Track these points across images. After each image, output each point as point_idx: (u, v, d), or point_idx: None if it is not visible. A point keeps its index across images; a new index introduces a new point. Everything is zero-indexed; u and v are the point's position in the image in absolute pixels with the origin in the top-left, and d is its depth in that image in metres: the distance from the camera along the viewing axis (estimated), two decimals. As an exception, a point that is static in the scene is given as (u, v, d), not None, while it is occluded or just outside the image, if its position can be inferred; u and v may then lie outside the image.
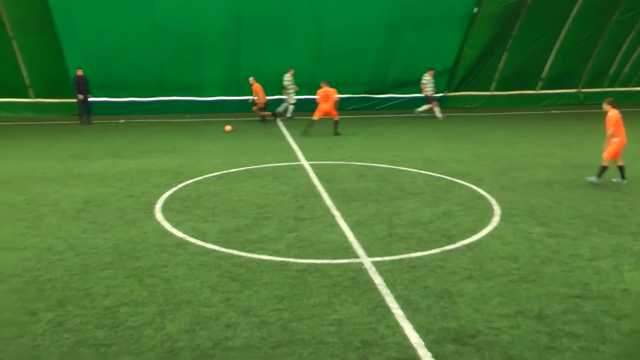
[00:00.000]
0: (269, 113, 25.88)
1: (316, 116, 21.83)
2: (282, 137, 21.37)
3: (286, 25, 26.11)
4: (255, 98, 25.33)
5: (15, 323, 7.43)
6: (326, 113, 21.85)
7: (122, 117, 26.52)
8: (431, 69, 26.60)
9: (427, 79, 26.28)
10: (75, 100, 25.61)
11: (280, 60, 26.86)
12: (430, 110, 26.91)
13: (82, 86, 25.05)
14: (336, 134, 21.68)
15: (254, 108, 25.52)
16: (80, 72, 25.03)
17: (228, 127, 22.78)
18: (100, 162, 17.24)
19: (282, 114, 26.89)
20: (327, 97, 21.72)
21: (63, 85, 26.40)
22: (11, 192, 13.99)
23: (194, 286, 8.34)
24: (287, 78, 26.22)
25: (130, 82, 26.91)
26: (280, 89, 27.21)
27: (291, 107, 26.69)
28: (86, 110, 25.48)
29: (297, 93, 27.59)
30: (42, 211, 12.38)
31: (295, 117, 26.36)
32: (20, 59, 26.13)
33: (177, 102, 27.64)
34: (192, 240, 10.26)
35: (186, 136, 21.80)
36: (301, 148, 18.85)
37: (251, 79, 25.09)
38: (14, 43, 25.65)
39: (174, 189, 13.87)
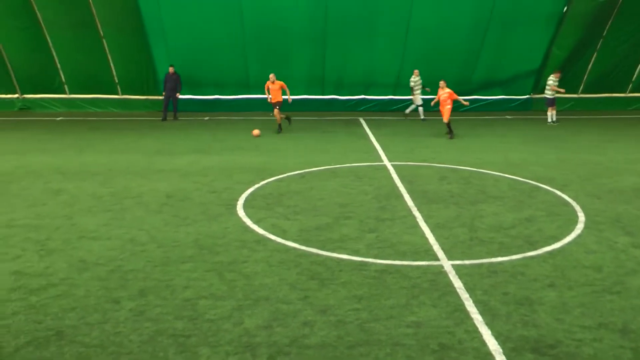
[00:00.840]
0: (282, 116, 23.07)
1: (446, 118, 21.25)
2: (365, 136, 21.34)
3: (372, 25, 26.03)
4: (271, 97, 22.65)
5: (99, 309, 7.70)
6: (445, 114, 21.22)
7: (207, 115, 27.01)
8: (558, 70, 25.55)
9: (553, 80, 25.07)
10: (161, 97, 26.36)
11: (365, 59, 26.83)
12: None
13: (170, 83, 25.64)
14: (451, 137, 21.01)
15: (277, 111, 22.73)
16: (171, 70, 25.66)
17: (256, 132, 21.52)
18: (184, 157, 17.61)
19: (409, 115, 26.35)
20: (449, 97, 21.15)
21: (150, 83, 27.13)
22: (97, 184, 14.46)
23: (273, 283, 8.42)
24: (413, 79, 25.78)
25: (215, 80, 27.41)
26: (366, 89, 27.25)
27: (421, 109, 26.12)
28: (173, 107, 26.08)
29: (382, 93, 27.56)
30: (126, 204, 12.74)
31: (385, 117, 26.26)
32: (109, 57, 27.02)
33: (261, 100, 27.87)
34: (273, 237, 10.36)
35: (268, 134, 22.00)
36: (384, 148, 18.78)
37: (272, 76, 22.66)
38: (104, 42, 26.54)
39: (256, 186, 14.04)
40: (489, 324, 7.12)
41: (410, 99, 26.56)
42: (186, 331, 7.05)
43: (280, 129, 22.59)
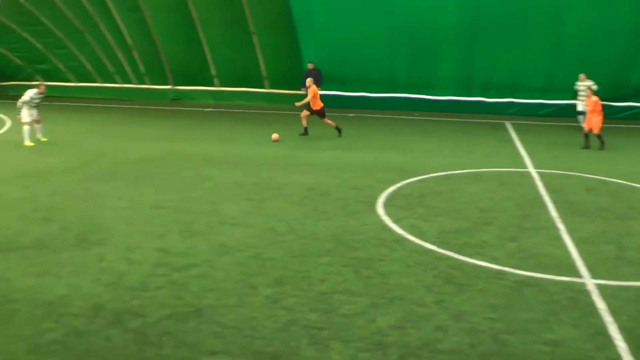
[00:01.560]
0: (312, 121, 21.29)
1: (587, 127, 19.75)
2: (510, 141, 20.79)
3: (522, 25, 25.04)
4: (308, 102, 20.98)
5: (236, 293, 8.00)
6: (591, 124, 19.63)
7: (352, 112, 27.18)
8: None
9: None
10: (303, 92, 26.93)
11: (514, 60, 25.89)
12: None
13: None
14: (601, 148, 19.55)
15: (306, 113, 20.98)
16: (310, 66, 26.24)
17: (275, 136, 20.07)
18: (326, 152, 17.85)
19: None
20: (594, 108, 19.52)
21: (296, 78, 27.65)
22: (241, 174, 14.94)
23: (409, 283, 8.39)
24: (580, 84, 24.44)
25: (362, 78, 27.51)
26: (514, 92, 26.53)
27: (580, 116, 24.60)
28: None
29: (530, 96, 26.69)
30: (267, 194, 13.09)
31: (532, 122, 25.42)
32: (258, 52, 27.82)
33: (407, 100, 27.78)
34: (411, 237, 10.32)
35: (413, 134, 21.90)
36: (529, 154, 18.20)
37: (308, 81, 21.35)
38: (255, 38, 27.34)
39: (397, 185, 14.01)
40: (635, 355, 6.62)
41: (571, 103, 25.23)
42: (319, 324, 7.16)
43: (305, 132, 21.00)
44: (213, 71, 29.35)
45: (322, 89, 26.98)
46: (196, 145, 18.69)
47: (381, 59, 26.78)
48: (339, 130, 21.12)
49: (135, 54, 29.63)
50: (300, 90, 27.35)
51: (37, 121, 19.04)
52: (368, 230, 10.67)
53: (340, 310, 7.52)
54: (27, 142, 18.46)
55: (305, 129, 21.04)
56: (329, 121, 21.06)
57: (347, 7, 25.59)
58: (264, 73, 28.72)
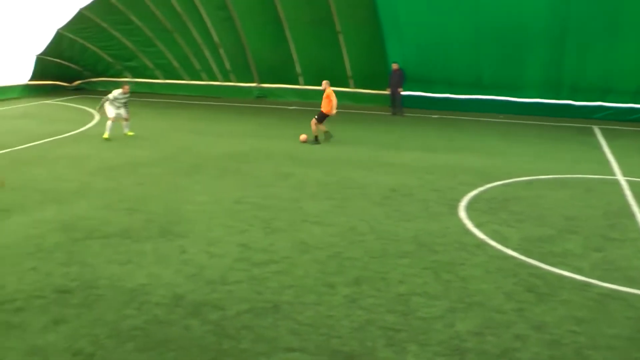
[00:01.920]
0: (323, 129, 19.68)
1: None
2: (598, 147, 20.17)
3: (615, 23, 24.00)
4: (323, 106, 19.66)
5: (315, 291, 8.06)
6: None
7: (435, 113, 26.91)
8: None
9: None
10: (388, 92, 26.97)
11: (605, 61, 25.01)
12: None
13: (393, 79, 26.34)
14: None
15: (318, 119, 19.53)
16: (395, 66, 26.13)
17: (303, 136, 19.52)
18: (409, 153, 17.72)
19: None
20: None
21: (381, 78, 27.57)
22: (323, 172, 15.01)
23: (489, 290, 8.26)
24: None
25: (447, 78, 27.16)
26: (604, 95, 25.73)
27: None
28: (397, 103, 26.50)
29: (621, 100, 25.80)
30: (349, 193, 13.10)
31: (622, 127, 24.62)
32: (344, 52, 27.86)
33: (492, 102, 27.25)
34: (493, 243, 10.15)
35: (497, 137, 21.50)
36: (618, 161, 17.59)
37: (324, 83, 20.14)
38: (340, 37, 27.40)
39: (480, 188, 13.79)
40: None
41: None
42: (397, 325, 7.14)
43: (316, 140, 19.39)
44: (298, 69, 29.57)
45: (406, 89, 26.94)
46: (280, 143, 18.86)
47: (467, 59, 26.37)
48: (316, 139, 19.44)
49: (221, 51, 30.14)
50: (385, 90, 27.28)
51: (125, 118, 19.65)
52: (449, 234, 10.56)
53: (418, 313, 7.47)
54: (105, 135, 19.02)
55: (326, 132, 19.79)
56: (316, 127, 19.47)
57: (433, 6, 25.30)
58: (349, 72, 28.75)
